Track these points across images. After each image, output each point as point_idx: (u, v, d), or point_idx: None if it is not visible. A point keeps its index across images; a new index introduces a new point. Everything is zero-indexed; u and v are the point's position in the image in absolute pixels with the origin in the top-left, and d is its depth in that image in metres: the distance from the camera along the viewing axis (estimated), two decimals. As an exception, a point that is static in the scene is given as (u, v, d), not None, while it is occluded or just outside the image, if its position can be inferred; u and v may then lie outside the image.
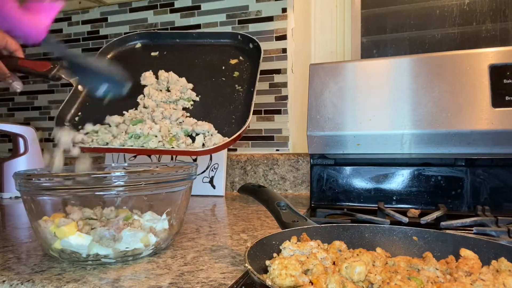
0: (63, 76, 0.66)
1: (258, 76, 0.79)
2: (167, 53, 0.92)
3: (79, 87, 0.80)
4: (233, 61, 0.86)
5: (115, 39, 0.96)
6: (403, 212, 0.79)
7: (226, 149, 1.13)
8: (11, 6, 0.55)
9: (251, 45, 0.88)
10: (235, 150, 1.21)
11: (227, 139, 0.69)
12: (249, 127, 0.74)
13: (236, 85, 0.82)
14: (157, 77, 0.84)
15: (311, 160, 0.96)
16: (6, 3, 0.53)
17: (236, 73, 0.84)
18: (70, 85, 0.83)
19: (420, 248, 0.48)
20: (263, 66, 1.16)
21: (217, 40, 0.92)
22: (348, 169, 0.94)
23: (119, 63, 0.72)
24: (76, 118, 0.82)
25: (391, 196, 0.90)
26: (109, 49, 0.95)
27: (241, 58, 0.87)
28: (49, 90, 1.45)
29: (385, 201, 0.89)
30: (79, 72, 0.68)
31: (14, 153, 1.20)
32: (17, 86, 0.64)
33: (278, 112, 1.16)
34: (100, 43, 1.35)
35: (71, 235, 0.49)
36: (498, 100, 0.78)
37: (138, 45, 0.96)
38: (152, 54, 0.93)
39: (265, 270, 0.41)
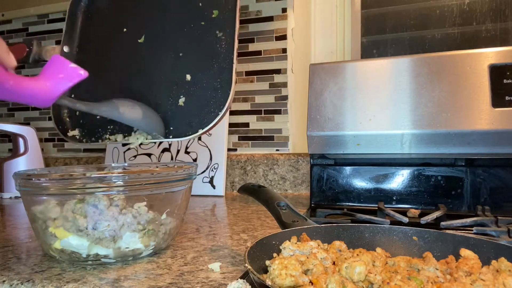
0: (42, 57, 0.64)
1: (238, 15, 0.68)
2: None
3: None
4: None
5: None
6: (403, 212, 0.79)
7: (226, 149, 1.13)
8: (12, 83, 0.49)
9: None
10: (235, 150, 1.21)
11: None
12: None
13: (217, 31, 0.70)
14: None
15: (311, 160, 0.96)
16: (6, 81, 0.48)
17: (216, 12, 0.71)
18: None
19: (420, 248, 0.48)
20: (263, 66, 1.16)
21: None
22: (348, 169, 0.94)
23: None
24: (72, 96, 0.76)
25: (391, 196, 0.90)
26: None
27: None
28: (49, 90, 1.45)
29: (385, 201, 0.89)
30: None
31: (14, 153, 1.20)
32: None
33: (278, 112, 1.16)
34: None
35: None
36: (498, 100, 0.78)
37: None
38: None
39: (265, 270, 0.41)
